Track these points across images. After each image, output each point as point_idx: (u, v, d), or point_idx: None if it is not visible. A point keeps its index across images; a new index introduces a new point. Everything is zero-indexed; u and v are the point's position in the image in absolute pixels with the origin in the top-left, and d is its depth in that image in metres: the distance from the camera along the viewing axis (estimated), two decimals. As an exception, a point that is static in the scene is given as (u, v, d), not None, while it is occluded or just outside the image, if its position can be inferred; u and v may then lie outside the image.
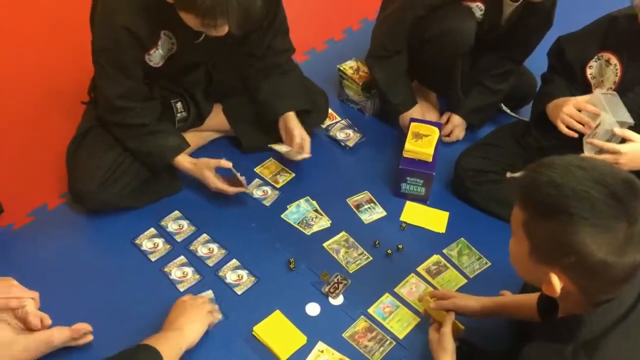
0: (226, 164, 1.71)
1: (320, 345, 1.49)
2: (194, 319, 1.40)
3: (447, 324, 1.36)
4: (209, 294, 1.57)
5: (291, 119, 1.82)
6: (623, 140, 1.49)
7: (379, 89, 1.93)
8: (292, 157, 1.79)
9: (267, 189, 1.84)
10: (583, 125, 1.52)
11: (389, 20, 1.88)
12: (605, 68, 1.59)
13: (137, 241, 1.68)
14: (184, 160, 1.72)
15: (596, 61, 1.61)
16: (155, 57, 1.64)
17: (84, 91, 1.84)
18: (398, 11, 1.84)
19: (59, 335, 1.38)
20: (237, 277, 1.62)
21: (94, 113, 1.77)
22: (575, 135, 1.55)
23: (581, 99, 1.56)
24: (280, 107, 1.82)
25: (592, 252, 0.92)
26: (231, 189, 1.72)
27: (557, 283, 0.99)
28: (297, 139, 1.79)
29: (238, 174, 1.70)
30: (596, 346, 0.98)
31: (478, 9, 1.78)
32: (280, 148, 1.81)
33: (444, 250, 1.71)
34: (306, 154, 1.79)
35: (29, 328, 1.34)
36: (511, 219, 1.06)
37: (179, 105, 1.83)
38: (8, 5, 2.46)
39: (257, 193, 1.82)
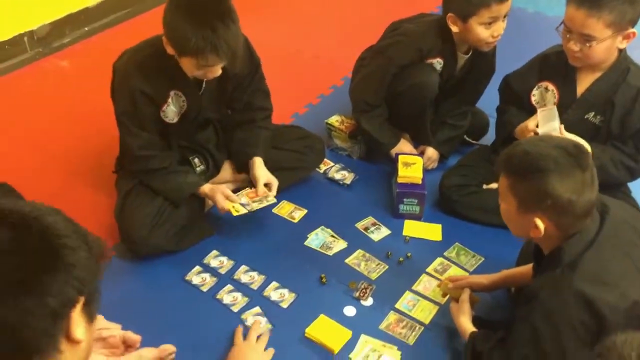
0: (236, 198, 1.99)
1: (364, 337, 1.77)
2: None
3: (464, 294, 1.70)
4: (259, 320, 1.78)
5: (258, 167, 2.07)
6: None
7: (369, 135, 2.32)
8: (255, 207, 1.98)
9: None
10: None
11: (367, 81, 2.29)
12: (545, 94, 2.05)
13: (187, 278, 1.93)
14: (204, 187, 2.00)
15: (537, 89, 2.06)
16: (169, 113, 1.96)
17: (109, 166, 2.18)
18: (375, 73, 2.26)
19: (148, 354, 1.59)
20: (280, 295, 1.90)
21: (125, 180, 2.06)
22: None
23: (532, 121, 2.00)
24: (249, 154, 2.10)
25: (561, 194, 1.31)
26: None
27: (541, 225, 1.36)
28: (261, 181, 2.03)
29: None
30: (576, 264, 1.34)
31: (438, 63, 2.23)
32: (242, 206, 1.98)
33: (445, 254, 2.06)
34: (271, 197, 2.01)
35: (128, 346, 1.55)
36: (499, 187, 1.45)
37: (196, 160, 2.14)
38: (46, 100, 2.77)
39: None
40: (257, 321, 1.77)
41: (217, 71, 1.84)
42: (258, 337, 1.72)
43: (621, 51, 1.90)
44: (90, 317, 0.90)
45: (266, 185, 2.05)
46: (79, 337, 0.87)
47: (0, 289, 0.81)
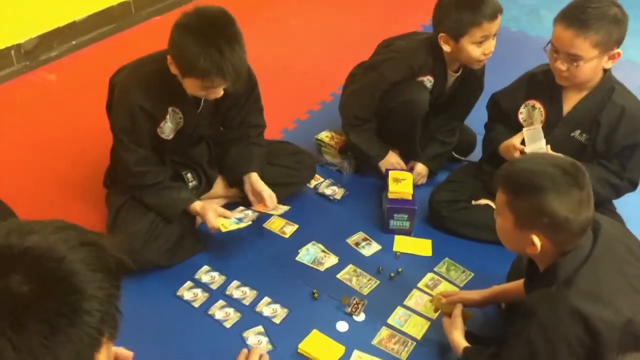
0: (230, 214, 2.01)
1: (357, 353, 1.77)
2: None
3: (457, 309, 1.71)
4: (261, 341, 1.78)
5: (257, 180, 2.09)
6: None
7: (358, 149, 2.34)
8: (260, 214, 2.03)
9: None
10: None
11: (358, 95, 2.32)
12: (532, 112, 2.09)
13: (178, 293, 1.92)
14: (196, 205, 2.00)
15: (524, 107, 2.10)
16: (166, 129, 1.97)
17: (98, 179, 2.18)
18: (366, 88, 2.29)
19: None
20: (272, 310, 1.89)
21: (116, 194, 2.06)
22: None
23: (517, 139, 2.04)
24: (245, 168, 2.11)
25: (558, 212, 1.33)
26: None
27: (537, 241, 1.38)
28: (267, 194, 2.04)
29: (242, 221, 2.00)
30: (572, 280, 1.35)
31: (428, 81, 2.26)
32: (246, 217, 2.01)
33: (435, 269, 2.08)
34: (282, 208, 2.05)
35: None
36: (496, 204, 1.46)
37: (189, 175, 2.15)
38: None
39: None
40: (255, 349, 1.73)
41: (220, 92, 1.86)
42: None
43: (606, 71, 1.94)
44: (112, 340, 0.89)
45: None
46: None
47: (21, 349, 0.78)
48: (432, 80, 2.26)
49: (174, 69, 1.80)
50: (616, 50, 1.85)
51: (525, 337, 1.37)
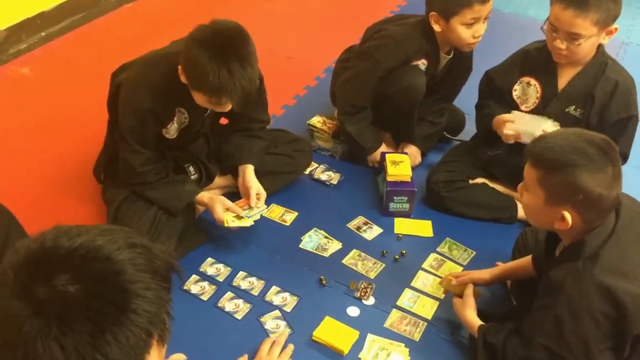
0: (238, 209, 1.98)
1: (371, 336, 1.78)
2: None
3: (469, 288, 1.73)
4: (279, 325, 1.79)
5: (251, 174, 2.07)
6: None
7: (352, 138, 2.33)
8: (254, 217, 1.98)
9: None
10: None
11: (353, 83, 2.29)
12: (526, 89, 2.11)
13: (185, 287, 1.89)
14: (203, 196, 1.98)
15: (519, 84, 2.12)
16: (172, 130, 1.95)
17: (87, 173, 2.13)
18: (361, 75, 2.25)
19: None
20: (282, 299, 1.88)
21: (116, 189, 2.01)
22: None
23: (506, 117, 2.07)
24: (242, 159, 2.09)
25: (593, 189, 1.34)
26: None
27: (569, 218, 1.38)
28: (254, 191, 2.02)
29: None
30: (597, 256, 1.37)
31: (422, 64, 2.25)
32: (235, 220, 1.95)
33: (437, 249, 2.09)
34: (261, 206, 2.00)
35: None
36: (525, 179, 1.46)
37: (191, 169, 2.11)
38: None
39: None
40: (281, 335, 1.74)
41: (227, 108, 1.83)
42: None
43: (599, 46, 1.97)
44: (163, 344, 0.88)
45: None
46: None
47: (69, 349, 0.77)
48: (426, 64, 2.25)
49: (184, 79, 1.77)
50: (613, 26, 1.88)
51: (552, 312, 1.39)
